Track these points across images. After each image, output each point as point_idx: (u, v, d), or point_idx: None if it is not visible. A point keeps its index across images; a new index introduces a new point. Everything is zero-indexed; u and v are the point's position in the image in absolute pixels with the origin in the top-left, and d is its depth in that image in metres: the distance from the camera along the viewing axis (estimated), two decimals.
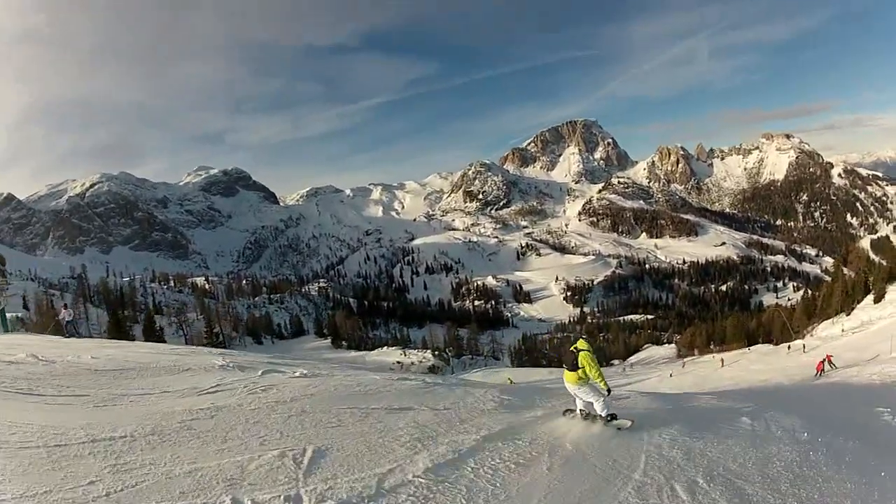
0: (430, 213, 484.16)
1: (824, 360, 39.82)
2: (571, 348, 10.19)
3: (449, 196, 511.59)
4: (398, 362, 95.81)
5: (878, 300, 75.10)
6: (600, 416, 10.13)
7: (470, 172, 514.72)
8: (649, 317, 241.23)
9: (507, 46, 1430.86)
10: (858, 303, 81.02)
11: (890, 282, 78.81)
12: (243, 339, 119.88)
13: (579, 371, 9.89)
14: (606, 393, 9.95)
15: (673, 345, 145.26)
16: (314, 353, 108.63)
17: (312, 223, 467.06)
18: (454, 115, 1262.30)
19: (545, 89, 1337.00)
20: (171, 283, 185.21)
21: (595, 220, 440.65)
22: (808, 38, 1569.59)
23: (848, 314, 79.23)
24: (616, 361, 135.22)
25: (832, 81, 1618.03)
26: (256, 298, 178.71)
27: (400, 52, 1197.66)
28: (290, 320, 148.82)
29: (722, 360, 72.52)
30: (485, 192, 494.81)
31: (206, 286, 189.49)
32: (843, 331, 70.62)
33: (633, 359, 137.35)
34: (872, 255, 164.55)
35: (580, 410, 10.54)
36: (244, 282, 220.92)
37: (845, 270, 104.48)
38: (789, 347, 73.75)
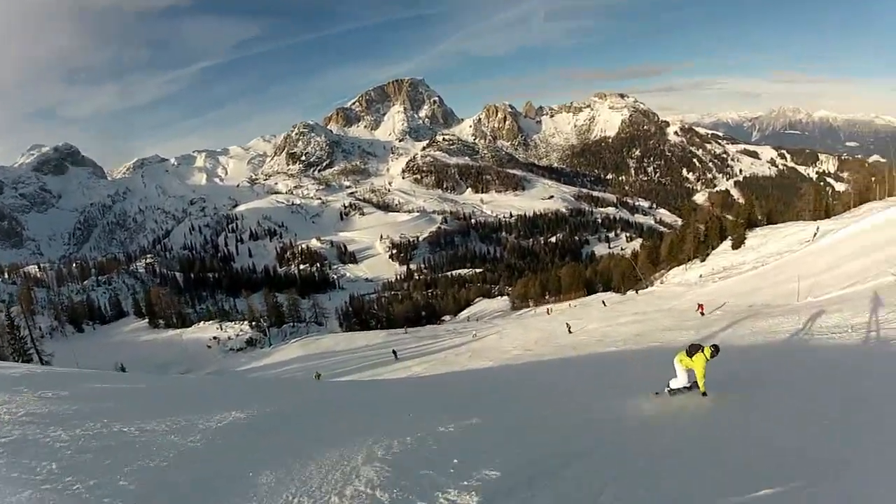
0: (254, 177, 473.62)
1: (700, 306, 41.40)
2: (702, 348, 12.45)
3: (272, 159, 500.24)
4: (215, 338, 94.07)
5: (736, 246, 76.24)
6: (670, 387, 13.10)
7: (293, 134, 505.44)
8: (478, 271, 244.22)
9: (336, 5, 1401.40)
10: (713, 249, 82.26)
11: (749, 228, 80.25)
12: (64, 328, 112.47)
13: (692, 359, 12.42)
14: (702, 395, 12.37)
15: (506, 297, 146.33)
16: (131, 336, 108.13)
17: (139, 196, 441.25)
18: (281, 77, 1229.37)
19: (374, 49, 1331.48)
20: (6, 276, 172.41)
21: (419, 177, 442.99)
22: (649, 4, 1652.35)
23: (703, 260, 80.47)
24: (447, 317, 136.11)
25: (673, 45, 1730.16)
26: (85, 282, 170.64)
27: (229, 13, 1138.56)
28: (109, 302, 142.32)
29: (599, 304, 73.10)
30: (308, 153, 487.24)
31: (38, 274, 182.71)
32: (700, 276, 71.85)
33: (464, 313, 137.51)
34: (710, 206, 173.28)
35: (670, 389, 13.17)
36: (74, 266, 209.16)
37: (696, 217, 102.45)
38: (637, 292, 76.56)
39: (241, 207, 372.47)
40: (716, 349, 12.68)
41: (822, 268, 43.99)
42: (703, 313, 39.60)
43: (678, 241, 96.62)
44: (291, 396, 17.12)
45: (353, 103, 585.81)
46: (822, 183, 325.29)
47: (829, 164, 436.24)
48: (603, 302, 74.86)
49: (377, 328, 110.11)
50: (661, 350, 24.68)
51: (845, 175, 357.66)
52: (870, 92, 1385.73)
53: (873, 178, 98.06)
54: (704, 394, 12.21)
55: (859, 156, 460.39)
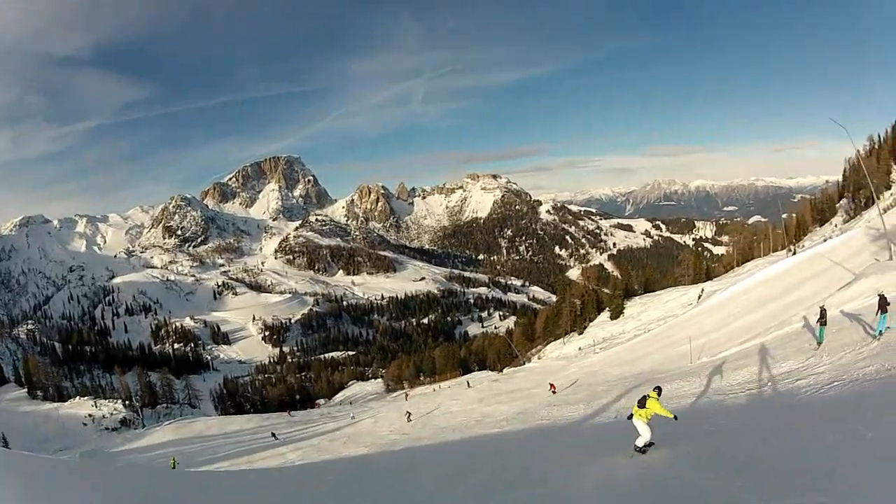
0: (131, 248, 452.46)
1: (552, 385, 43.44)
2: (647, 396, 14.39)
3: (149, 231, 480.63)
4: (90, 415, 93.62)
5: (615, 316, 77.43)
6: (637, 446, 14.47)
7: (171, 206, 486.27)
8: (350, 353, 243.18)
9: (223, 75, 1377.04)
10: (591, 321, 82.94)
11: (627, 297, 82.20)
12: None
13: (647, 408, 14.10)
14: (674, 419, 14.13)
15: (380, 380, 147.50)
16: (12, 406, 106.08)
17: (23, 256, 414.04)
18: (164, 144, 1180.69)
19: (254, 123, 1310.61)
20: None
21: (291, 257, 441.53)
22: (526, 87, 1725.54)
23: (581, 333, 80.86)
24: (322, 401, 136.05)
25: (546, 127, 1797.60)
26: None
27: (123, 71, 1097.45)
28: None
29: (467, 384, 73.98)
30: (183, 227, 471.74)
31: None
32: (580, 349, 72.13)
33: (339, 396, 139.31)
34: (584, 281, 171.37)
35: (638, 448, 14.49)
36: None
37: (572, 292, 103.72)
38: (507, 369, 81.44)
39: (118, 280, 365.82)
40: (658, 390, 14.89)
41: (712, 327, 46.17)
42: (554, 391, 42.19)
43: (554, 315, 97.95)
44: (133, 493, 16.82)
45: (230, 178, 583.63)
46: (699, 249, 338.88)
47: (706, 230, 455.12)
48: (468, 383, 75.43)
49: (251, 412, 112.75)
50: (551, 429, 26.45)
51: (724, 239, 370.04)
52: (748, 157, 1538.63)
53: (755, 237, 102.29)
54: (675, 418, 14.07)
55: (739, 219, 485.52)
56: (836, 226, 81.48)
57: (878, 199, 62.78)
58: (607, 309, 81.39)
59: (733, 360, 28.55)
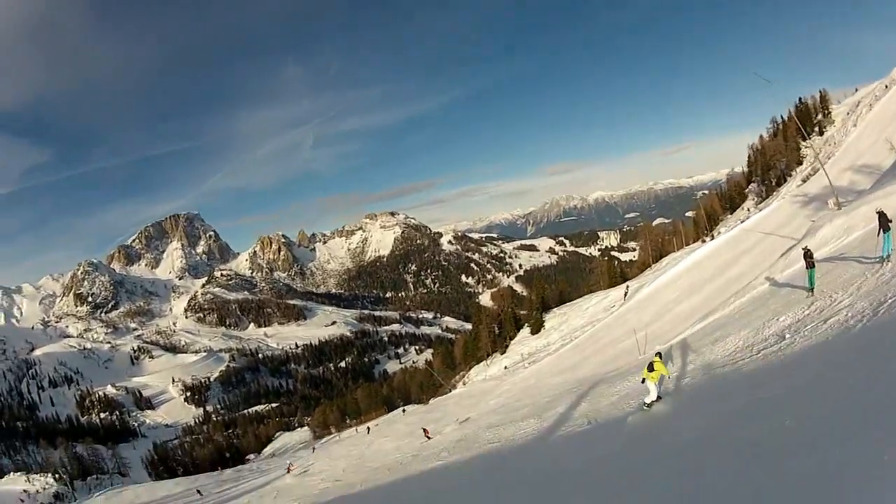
0: (46, 319, 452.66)
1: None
2: (652, 361, 17.64)
3: (61, 300, 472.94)
4: (25, 491, 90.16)
5: (536, 331, 74.89)
6: (645, 402, 17.70)
7: (79, 273, 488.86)
8: (273, 405, 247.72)
9: (117, 136, 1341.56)
10: (512, 339, 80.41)
11: (545, 311, 79.74)
12: None
13: (654, 373, 17.27)
14: (667, 376, 18.05)
15: (306, 427, 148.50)
16: None
17: None
18: (66, 209, 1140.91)
19: (152, 182, 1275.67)
20: None
21: (202, 315, 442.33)
22: (413, 124, 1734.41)
23: (503, 352, 78.19)
24: (251, 455, 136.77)
25: (438, 160, 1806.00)
26: None
27: (21, 136, 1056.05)
28: None
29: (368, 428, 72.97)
30: (94, 293, 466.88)
31: None
32: (506, 367, 69.63)
33: (268, 449, 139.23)
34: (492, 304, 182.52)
35: (647, 404, 17.60)
36: None
37: (487, 313, 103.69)
38: (449, 391, 78.12)
39: (38, 352, 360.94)
40: (658, 354, 18.11)
41: (650, 318, 44.06)
42: (429, 437, 40.11)
43: (472, 340, 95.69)
44: None
45: (134, 240, 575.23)
46: (605, 258, 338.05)
47: (610, 239, 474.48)
48: (403, 410, 75.99)
49: (183, 475, 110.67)
50: (499, 453, 23.51)
51: (631, 245, 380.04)
52: (643, 164, 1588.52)
53: (665, 237, 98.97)
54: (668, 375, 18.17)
55: (641, 223, 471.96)
56: (747, 210, 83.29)
57: (793, 174, 70.69)
58: (527, 325, 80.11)
59: (700, 338, 25.65)
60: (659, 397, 17.50)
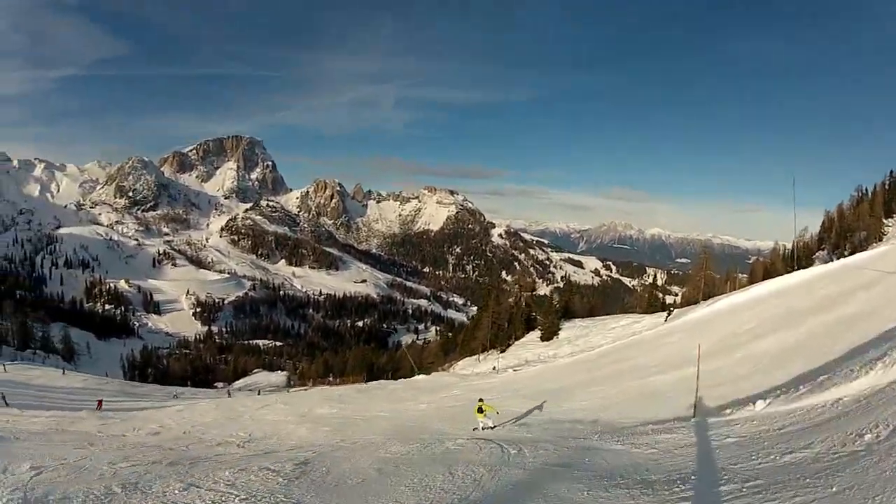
0: (81, 202, 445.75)
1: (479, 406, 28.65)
2: (479, 404, 20.51)
3: (102, 188, 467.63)
4: None
5: (547, 337, 64.31)
6: (488, 426, 20.27)
7: (127, 167, 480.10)
8: (278, 343, 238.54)
9: (198, 46, 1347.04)
10: (517, 339, 69.64)
11: (566, 318, 69.69)
12: None
13: (484, 413, 20.31)
14: (496, 414, 20.72)
15: (285, 372, 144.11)
16: None
17: None
18: (130, 106, 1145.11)
19: (222, 100, 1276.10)
20: None
21: (237, 238, 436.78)
22: (491, 109, 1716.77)
23: (502, 351, 67.20)
24: (220, 384, 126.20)
25: (506, 153, 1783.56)
26: None
27: (105, 23, 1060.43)
28: None
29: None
30: (136, 189, 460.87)
31: None
32: (494, 369, 56.53)
33: (240, 382, 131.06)
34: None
35: (483, 427, 20.22)
36: None
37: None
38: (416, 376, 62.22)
39: (63, 230, 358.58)
40: (480, 399, 20.88)
41: (706, 349, 22.10)
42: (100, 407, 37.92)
43: (472, 328, 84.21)
44: None
45: (191, 150, 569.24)
46: (647, 295, 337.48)
47: (657, 277, 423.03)
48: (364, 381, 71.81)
49: (152, 382, 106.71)
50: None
51: (675, 289, 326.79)
52: (707, 214, 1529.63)
53: (718, 276, 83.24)
54: (497, 412, 20.89)
55: (691, 270, 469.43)
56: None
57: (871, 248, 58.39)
58: (539, 328, 68.55)
59: (828, 419, 11.26)
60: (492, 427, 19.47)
